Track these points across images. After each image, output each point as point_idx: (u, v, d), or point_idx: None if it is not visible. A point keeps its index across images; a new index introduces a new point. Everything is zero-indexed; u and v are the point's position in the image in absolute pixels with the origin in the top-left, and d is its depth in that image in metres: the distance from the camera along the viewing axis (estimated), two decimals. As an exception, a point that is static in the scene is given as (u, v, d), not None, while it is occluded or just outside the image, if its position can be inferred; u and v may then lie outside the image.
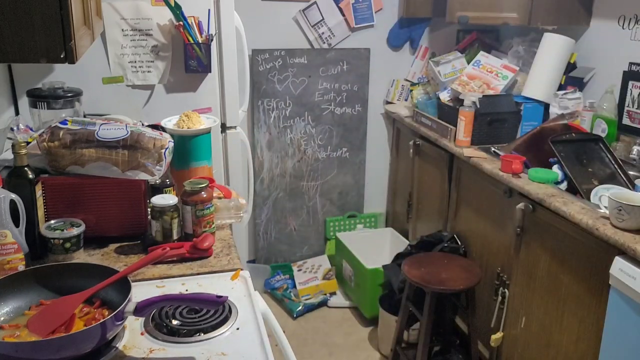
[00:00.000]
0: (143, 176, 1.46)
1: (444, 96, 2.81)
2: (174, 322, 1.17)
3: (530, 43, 2.91)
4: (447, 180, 2.72)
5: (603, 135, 2.36)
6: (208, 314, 1.19)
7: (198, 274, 1.37)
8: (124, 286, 1.11)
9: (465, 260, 2.47)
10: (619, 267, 1.64)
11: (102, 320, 1.00)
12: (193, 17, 2.22)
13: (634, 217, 1.65)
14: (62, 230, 1.38)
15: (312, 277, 3.23)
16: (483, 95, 2.60)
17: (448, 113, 2.72)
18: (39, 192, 1.39)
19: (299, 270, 3.32)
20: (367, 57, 3.30)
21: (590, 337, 1.84)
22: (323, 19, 3.17)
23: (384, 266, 2.79)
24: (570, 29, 2.70)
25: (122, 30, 2.18)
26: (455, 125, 2.61)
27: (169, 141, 1.53)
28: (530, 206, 2.07)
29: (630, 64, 2.43)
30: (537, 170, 2.14)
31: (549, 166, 2.21)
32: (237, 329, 1.16)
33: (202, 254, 1.44)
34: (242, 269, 1.39)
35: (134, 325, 1.16)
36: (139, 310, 1.05)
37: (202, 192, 1.48)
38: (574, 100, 2.51)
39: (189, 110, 1.79)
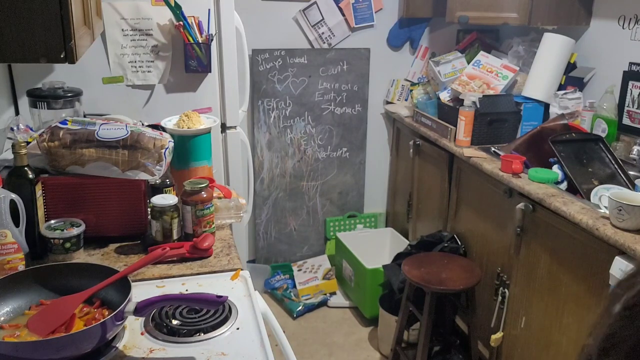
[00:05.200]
0: (143, 176, 1.46)
1: (444, 96, 2.81)
2: (174, 322, 1.17)
3: (530, 43, 2.91)
4: (447, 180, 2.72)
5: (603, 135, 2.36)
6: (208, 314, 1.19)
7: (198, 274, 1.38)
8: (124, 286, 1.11)
9: (465, 260, 2.47)
10: (619, 267, 1.64)
11: (102, 320, 1.00)
12: (193, 17, 2.22)
13: (634, 217, 1.65)
14: (62, 230, 1.38)
15: (312, 277, 3.23)
16: (483, 95, 2.60)
17: (448, 113, 2.72)
18: (39, 192, 1.39)
19: (299, 270, 3.32)
20: (367, 57, 3.30)
21: (590, 337, 1.84)
22: (323, 19, 3.17)
23: (384, 266, 2.79)
24: (570, 29, 2.70)
25: (122, 30, 2.18)
26: (455, 125, 2.61)
27: (169, 141, 1.53)
28: (530, 206, 2.06)
29: (630, 64, 2.43)
30: (537, 170, 2.14)
31: (549, 166, 2.21)
32: (237, 329, 1.16)
33: (202, 254, 1.44)
34: (242, 269, 1.39)
35: (134, 325, 1.16)
36: (139, 310, 1.05)
37: (202, 192, 1.48)
38: (574, 100, 2.51)
39: (189, 110, 1.79)
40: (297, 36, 3.17)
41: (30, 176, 1.36)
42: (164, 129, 1.67)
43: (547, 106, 2.62)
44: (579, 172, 2.15)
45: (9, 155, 1.54)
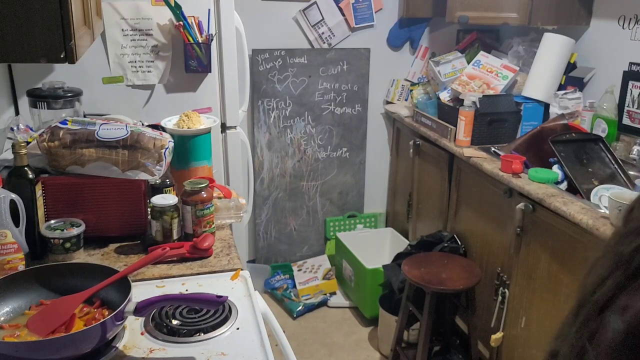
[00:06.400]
0: (143, 176, 1.46)
1: (444, 96, 2.81)
2: (174, 322, 1.17)
3: (530, 43, 2.91)
4: (447, 180, 2.72)
5: (603, 135, 2.36)
6: (208, 314, 1.19)
7: (198, 274, 1.37)
8: (124, 286, 1.11)
9: (465, 260, 2.47)
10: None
11: (102, 320, 1.00)
12: (193, 17, 2.22)
13: (634, 217, 1.65)
14: (62, 230, 1.38)
15: (312, 277, 3.23)
16: (483, 95, 2.60)
17: (448, 113, 2.72)
18: (39, 192, 1.39)
19: (299, 270, 3.32)
20: (367, 57, 3.30)
21: (590, 337, 1.84)
22: (323, 19, 3.17)
23: (384, 266, 2.79)
24: (570, 29, 2.70)
25: (122, 30, 2.18)
26: (455, 125, 2.61)
27: (169, 141, 1.53)
28: (530, 206, 2.06)
29: (630, 64, 2.43)
30: (537, 170, 2.14)
31: (549, 166, 2.21)
32: (237, 329, 1.16)
33: (202, 254, 1.44)
34: (242, 269, 1.39)
35: (134, 325, 1.16)
36: (139, 310, 1.05)
37: (202, 192, 1.48)
38: (574, 100, 2.51)
39: (189, 110, 1.79)
40: (297, 36, 3.17)
41: (30, 176, 1.36)
42: (164, 129, 1.67)
43: (547, 106, 2.62)
44: (579, 172, 2.15)
45: (9, 155, 1.54)
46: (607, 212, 1.76)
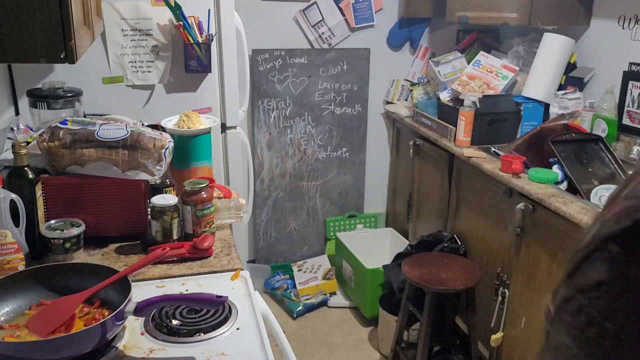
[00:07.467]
0: (143, 176, 1.46)
1: (444, 96, 2.81)
2: (174, 322, 1.17)
3: (530, 43, 2.91)
4: (447, 180, 2.72)
5: (603, 135, 2.36)
6: (208, 314, 1.19)
7: (198, 274, 1.38)
8: (124, 286, 1.11)
9: (465, 260, 2.47)
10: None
11: (102, 320, 1.00)
12: (193, 17, 2.22)
13: (634, 217, 1.65)
14: (62, 230, 1.38)
15: (312, 277, 3.23)
16: (483, 95, 2.60)
17: (448, 113, 2.72)
18: (39, 192, 1.39)
19: (299, 270, 3.32)
20: (367, 57, 3.30)
21: (590, 337, 1.84)
22: (323, 19, 3.17)
23: (384, 266, 2.79)
24: (570, 29, 2.70)
25: (122, 30, 2.18)
26: (455, 125, 2.61)
27: (169, 141, 1.53)
28: (530, 206, 2.06)
29: (630, 64, 2.43)
30: (537, 170, 2.14)
31: (549, 166, 2.21)
32: (237, 329, 1.16)
33: (202, 254, 1.44)
34: (242, 269, 1.39)
35: (134, 325, 1.16)
36: (139, 310, 1.05)
37: (202, 192, 1.48)
38: (574, 100, 2.51)
39: (189, 110, 1.79)
40: (297, 36, 3.17)
41: (30, 176, 1.36)
42: (164, 129, 1.67)
43: (547, 106, 2.62)
44: (579, 172, 2.15)
45: (9, 155, 1.54)
46: (607, 212, 1.76)
